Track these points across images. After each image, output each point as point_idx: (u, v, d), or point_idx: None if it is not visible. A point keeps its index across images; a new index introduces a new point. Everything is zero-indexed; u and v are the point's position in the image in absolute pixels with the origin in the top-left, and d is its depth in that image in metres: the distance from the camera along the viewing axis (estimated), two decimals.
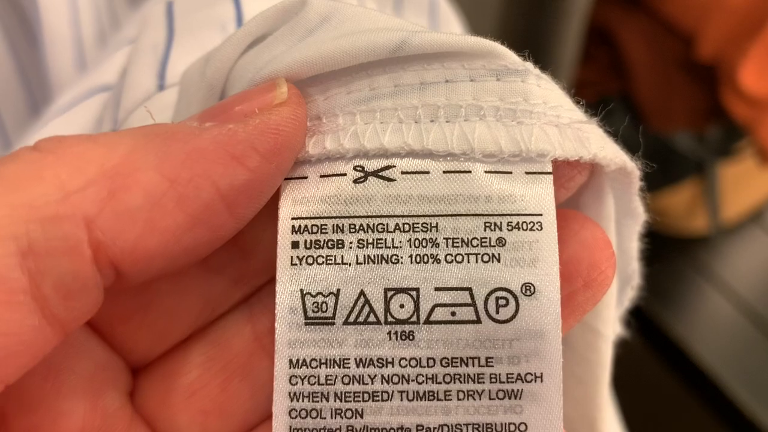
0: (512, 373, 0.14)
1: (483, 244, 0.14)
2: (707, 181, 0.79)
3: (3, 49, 0.29)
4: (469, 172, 0.15)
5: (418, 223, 0.14)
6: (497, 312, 0.14)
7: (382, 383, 0.14)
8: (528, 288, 0.14)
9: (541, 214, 0.15)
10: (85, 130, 0.23)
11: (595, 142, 0.15)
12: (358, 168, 0.15)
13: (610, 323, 0.18)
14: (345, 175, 0.15)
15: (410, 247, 0.14)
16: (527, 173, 0.15)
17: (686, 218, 0.82)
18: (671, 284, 0.81)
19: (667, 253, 0.81)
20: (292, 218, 0.15)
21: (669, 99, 0.76)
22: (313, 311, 0.14)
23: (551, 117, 0.15)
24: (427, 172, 0.15)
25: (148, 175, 0.13)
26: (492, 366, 0.14)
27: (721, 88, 0.72)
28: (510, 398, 0.14)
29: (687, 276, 0.82)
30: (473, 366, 0.14)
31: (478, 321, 0.14)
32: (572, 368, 0.18)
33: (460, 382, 0.14)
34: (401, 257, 0.14)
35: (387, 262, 0.14)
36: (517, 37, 0.65)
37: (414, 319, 0.14)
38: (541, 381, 0.14)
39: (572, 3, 0.62)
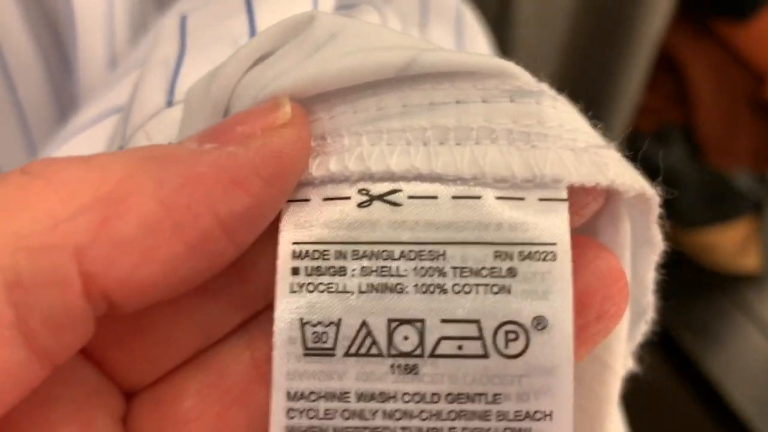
0: (521, 411, 0.14)
1: (493, 274, 0.14)
2: (763, 222, 0.77)
3: (38, 70, 0.29)
4: (480, 197, 0.14)
5: (424, 251, 0.14)
6: (506, 346, 0.14)
7: (383, 419, 0.14)
8: (539, 321, 0.14)
9: (555, 244, 0.14)
10: (98, 150, 0.22)
11: (613, 168, 0.15)
12: (363, 191, 0.14)
13: (620, 357, 0.17)
14: (349, 198, 0.14)
15: (416, 275, 0.14)
16: (541, 200, 0.14)
17: (736, 256, 0.80)
18: (713, 321, 0.79)
19: (711, 288, 0.80)
20: (293, 243, 0.14)
21: (732, 135, 0.74)
22: (313, 342, 0.14)
23: (567, 141, 0.14)
24: (435, 197, 0.14)
25: (143, 201, 0.12)
26: (500, 403, 0.14)
27: None
28: None
29: (730, 314, 0.80)
30: (480, 403, 0.14)
31: (486, 356, 0.14)
32: (578, 399, 0.17)
33: (466, 419, 0.14)
34: (406, 286, 0.14)
35: (391, 291, 0.14)
36: (582, 62, 0.64)
37: (418, 352, 0.14)
38: (551, 419, 0.13)
39: (643, 33, 0.61)
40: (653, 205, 0.16)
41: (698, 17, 0.73)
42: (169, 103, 0.20)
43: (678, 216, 0.78)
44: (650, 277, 0.18)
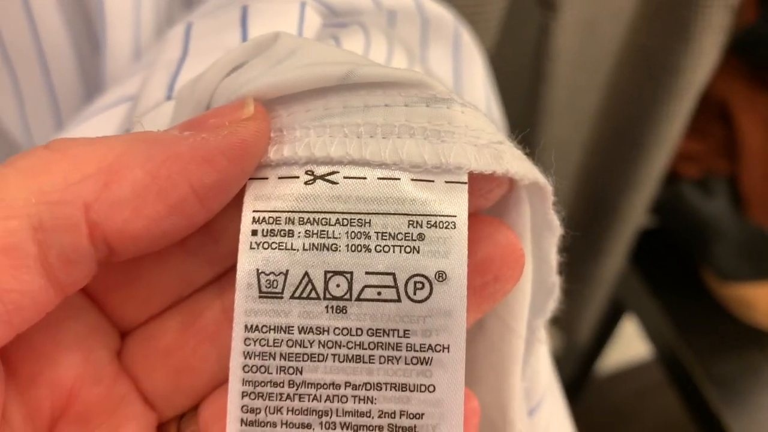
0: (425, 344, 0.17)
1: (406, 238, 0.18)
2: None
3: (70, 56, 0.32)
4: (399, 179, 0.18)
5: (354, 219, 0.18)
6: (415, 293, 0.17)
7: (318, 347, 0.17)
8: (441, 275, 0.17)
9: (455, 216, 0.18)
10: (112, 130, 0.26)
11: (507, 159, 0.18)
12: (309, 172, 0.18)
13: (521, 321, 0.21)
14: (298, 177, 0.18)
15: (347, 238, 0.18)
16: (446, 182, 0.18)
17: None
18: (743, 377, 0.76)
19: (744, 343, 0.78)
20: (254, 211, 0.18)
21: None
22: (266, 287, 0.18)
23: (471, 138, 0.18)
24: (364, 178, 0.18)
25: (134, 172, 0.16)
26: (408, 337, 0.17)
27: None
28: (422, 364, 0.17)
29: (764, 372, 0.77)
30: (393, 336, 0.17)
31: (399, 300, 0.17)
32: (487, 356, 0.21)
33: (382, 349, 0.17)
34: (339, 246, 0.18)
35: (328, 249, 0.18)
36: (623, 101, 0.64)
37: (347, 296, 0.17)
38: (448, 351, 0.17)
39: (688, 82, 0.61)
40: (547, 194, 0.20)
41: (756, 68, 0.71)
42: (168, 98, 0.24)
43: (716, 267, 0.76)
44: (553, 258, 0.22)
